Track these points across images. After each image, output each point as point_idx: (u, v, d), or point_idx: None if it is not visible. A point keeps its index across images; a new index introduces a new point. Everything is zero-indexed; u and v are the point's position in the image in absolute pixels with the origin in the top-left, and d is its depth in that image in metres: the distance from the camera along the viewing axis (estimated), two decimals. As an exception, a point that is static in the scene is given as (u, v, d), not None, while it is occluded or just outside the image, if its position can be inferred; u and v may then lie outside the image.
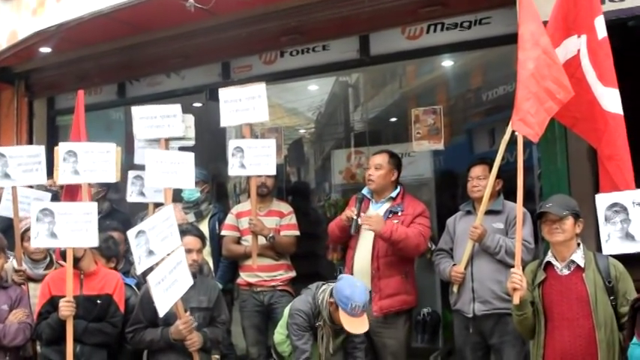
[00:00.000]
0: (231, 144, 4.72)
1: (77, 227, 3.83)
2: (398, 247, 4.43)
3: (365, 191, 4.76)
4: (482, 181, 4.30)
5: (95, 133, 5.27)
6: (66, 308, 3.85)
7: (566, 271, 3.50)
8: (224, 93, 4.81)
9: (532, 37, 3.73)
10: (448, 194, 6.65)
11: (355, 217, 4.53)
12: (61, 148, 4.44)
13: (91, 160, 4.46)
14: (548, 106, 3.69)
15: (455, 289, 4.35)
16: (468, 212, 4.48)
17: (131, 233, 3.49)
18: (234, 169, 4.70)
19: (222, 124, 4.83)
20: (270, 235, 4.95)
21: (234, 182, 8.13)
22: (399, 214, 4.57)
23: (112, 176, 4.56)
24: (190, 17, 5.24)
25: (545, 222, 3.53)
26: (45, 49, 6.41)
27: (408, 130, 5.96)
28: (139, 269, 3.59)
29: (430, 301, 6.30)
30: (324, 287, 4.13)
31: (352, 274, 4.54)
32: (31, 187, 5.61)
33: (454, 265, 4.36)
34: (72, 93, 6.04)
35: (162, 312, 3.56)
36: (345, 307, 3.83)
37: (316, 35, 5.73)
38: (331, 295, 3.99)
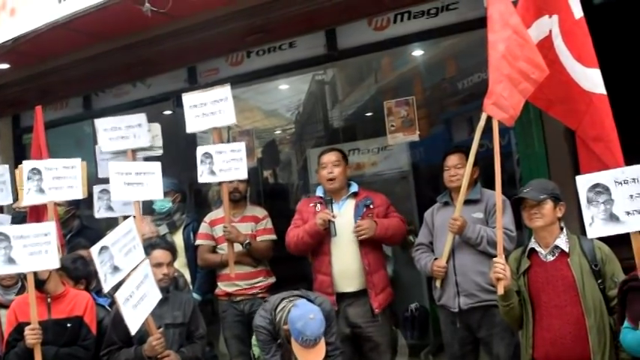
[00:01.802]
0: (199, 150, 4.59)
1: (35, 250, 3.62)
2: (387, 238, 4.50)
3: (320, 192, 4.66)
4: (459, 170, 4.17)
5: (65, 150, 5.12)
6: (31, 336, 3.65)
7: (550, 257, 3.40)
8: (188, 98, 4.68)
9: (501, 17, 3.64)
10: (428, 186, 6.54)
11: (333, 220, 4.41)
12: (25, 167, 4.28)
13: (55, 177, 4.29)
14: (522, 88, 3.58)
15: (438, 283, 4.22)
16: (446, 203, 4.34)
17: (94, 250, 3.33)
18: (203, 177, 4.56)
19: (189, 129, 4.69)
20: (247, 241, 4.80)
21: (215, 189, 8.00)
22: (371, 207, 4.51)
23: (78, 192, 4.40)
24: (150, 23, 5.07)
25: (524, 208, 3.43)
26: (3, 65, 6.21)
27: (382, 123, 5.85)
28: (106, 287, 3.42)
29: (417, 296, 6.19)
30: (282, 305, 3.90)
31: (332, 280, 4.44)
32: (1, 210, 5.46)
33: (435, 259, 4.23)
34: (38, 110, 5.86)
35: (133, 330, 3.40)
36: (296, 339, 3.65)
37: (282, 33, 5.60)
38: (287, 320, 3.77)
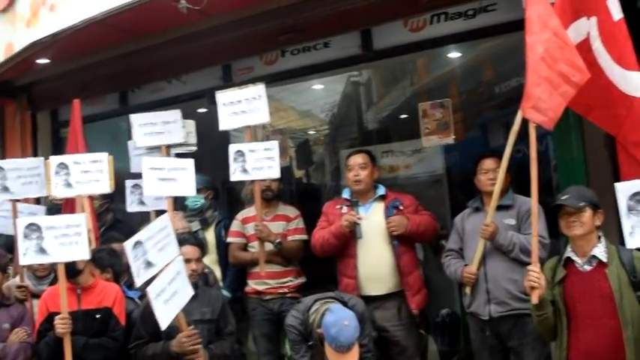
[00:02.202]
0: (232, 148, 4.57)
1: (66, 241, 3.66)
2: (419, 234, 4.48)
3: (346, 194, 4.62)
4: (497, 174, 4.04)
5: (101, 145, 5.14)
6: (61, 325, 3.69)
7: (587, 267, 3.28)
8: (222, 96, 4.67)
9: (540, 19, 3.54)
10: (461, 191, 6.45)
11: (359, 222, 4.36)
12: (52, 162, 4.31)
13: (83, 171, 4.32)
14: (563, 91, 3.48)
15: (468, 290, 4.14)
16: (477, 209, 4.26)
17: (128, 245, 3.34)
18: (235, 175, 4.55)
19: (222, 127, 4.68)
20: (277, 240, 4.77)
21: (248, 188, 8.01)
22: (401, 207, 4.47)
23: (105, 186, 4.42)
24: (185, 20, 5.12)
25: (562, 215, 3.32)
26: (42, 61, 6.31)
27: (417, 126, 5.77)
28: (138, 282, 3.42)
29: (449, 302, 6.11)
30: (316, 307, 3.86)
31: (358, 283, 4.40)
32: (38, 201, 5.54)
33: (466, 265, 4.14)
34: (75, 104, 5.94)
35: (164, 325, 3.41)
36: (330, 345, 3.61)
37: (316, 32, 5.54)
38: (320, 324, 3.73)
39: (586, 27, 3.66)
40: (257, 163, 4.50)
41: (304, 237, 4.94)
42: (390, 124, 8.00)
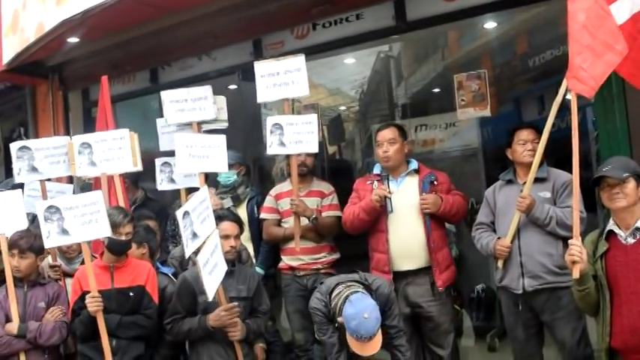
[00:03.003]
0: (269, 121, 4.51)
1: (86, 220, 3.68)
2: (451, 215, 4.43)
3: (377, 170, 4.54)
4: (536, 145, 3.96)
5: (132, 123, 5.15)
6: (93, 304, 3.73)
7: (631, 240, 3.18)
8: (260, 67, 4.59)
9: (582, -15, 3.41)
10: (496, 165, 6.34)
11: (389, 196, 4.29)
12: (75, 141, 4.32)
13: (106, 150, 4.31)
14: (607, 59, 3.36)
15: (500, 264, 4.06)
16: (509, 181, 4.17)
17: (179, 214, 3.40)
18: (273, 148, 4.50)
19: (259, 99, 4.62)
20: (314, 216, 4.73)
21: (280, 165, 7.98)
22: (435, 183, 4.41)
23: (129, 164, 4.41)
24: (215, -6, 5.05)
25: (603, 188, 3.21)
26: (73, 39, 6.27)
27: (450, 100, 5.65)
28: (188, 252, 3.47)
29: (484, 277, 6.03)
30: (338, 290, 3.84)
31: (389, 258, 4.34)
32: (71, 179, 5.57)
33: (498, 238, 4.06)
34: (106, 83, 5.95)
35: (210, 295, 3.47)
36: (351, 335, 3.60)
37: (348, 4, 5.43)
38: (341, 311, 3.70)
39: None
40: (295, 136, 4.45)
41: (338, 213, 4.86)
42: (421, 98, 7.87)
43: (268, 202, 5.04)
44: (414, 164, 4.52)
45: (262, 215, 5.02)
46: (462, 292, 5.95)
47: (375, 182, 4.47)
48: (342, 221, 4.60)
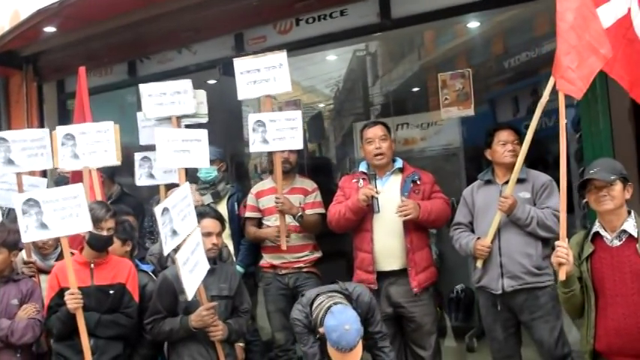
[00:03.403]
0: (252, 118, 4.44)
1: (66, 213, 3.55)
2: (430, 222, 4.32)
3: (363, 168, 4.49)
4: (516, 146, 4.01)
5: (108, 117, 5.03)
6: (72, 300, 3.60)
7: (617, 242, 3.17)
8: (240, 63, 4.52)
9: (571, -15, 3.40)
10: (472, 165, 6.37)
11: (377, 196, 4.24)
12: (58, 132, 4.20)
13: (89, 142, 4.21)
14: (591, 62, 3.38)
15: (479, 264, 4.06)
16: (488, 182, 4.17)
17: (157, 210, 3.30)
18: (255, 145, 4.43)
19: (240, 96, 4.54)
20: (299, 214, 4.66)
21: (254, 162, 7.89)
22: (418, 182, 4.37)
23: (112, 158, 4.31)
24: (197, -15, 4.96)
25: (590, 190, 3.19)
26: (49, 29, 6.14)
27: (430, 99, 5.64)
28: (166, 249, 3.37)
29: (463, 278, 6.03)
30: (319, 301, 3.79)
31: (374, 257, 4.30)
32: (44, 173, 5.43)
33: (478, 238, 4.05)
34: (82, 74, 5.81)
35: (190, 295, 3.39)
36: (333, 346, 3.56)
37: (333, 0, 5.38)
38: (323, 322, 3.67)
39: (627, 2, 3.54)
40: (278, 133, 4.39)
41: (322, 210, 4.83)
42: (399, 97, 7.85)
43: (250, 200, 4.97)
44: (398, 163, 4.48)
45: (246, 214, 4.96)
46: (442, 293, 5.95)
47: (361, 180, 4.43)
48: (327, 220, 4.54)
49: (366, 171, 4.46)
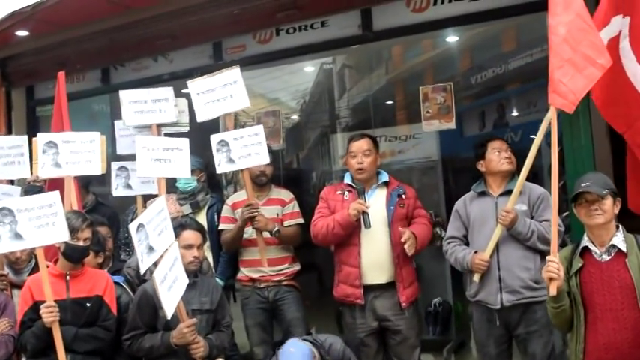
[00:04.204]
0: (214, 139, 4.36)
1: (42, 223, 3.38)
2: (421, 249, 4.34)
3: (348, 180, 4.44)
4: (510, 154, 4.04)
5: (79, 125, 4.93)
6: (48, 314, 3.44)
7: (606, 257, 3.17)
8: (194, 85, 4.44)
9: (563, 0, 3.42)
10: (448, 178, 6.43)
11: (367, 211, 4.18)
12: (40, 140, 4.08)
13: (73, 152, 4.10)
14: (588, 73, 3.38)
15: (477, 278, 3.98)
16: (482, 194, 4.12)
17: (132, 227, 3.17)
18: (221, 166, 4.36)
19: (199, 119, 4.45)
20: (275, 229, 4.57)
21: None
22: (403, 197, 4.34)
23: (97, 168, 4.19)
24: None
25: (581, 204, 3.19)
26: (22, 33, 5.98)
27: (394, 113, 5.64)
28: (143, 267, 3.24)
29: (440, 291, 6.02)
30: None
31: (361, 271, 4.25)
32: (12, 182, 5.26)
33: (475, 252, 4.00)
34: (52, 81, 5.60)
35: (169, 313, 3.25)
36: None
37: (315, 10, 5.35)
38: None
39: (619, 25, 3.62)
40: (243, 150, 4.31)
41: (300, 221, 4.77)
42: (367, 110, 7.84)
43: (225, 211, 4.87)
44: (384, 176, 4.42)
45: (221, 226, 4.85)
46: (419, 306, 5.92)
47: (347, 193, 4.37)
48: (312, 234, 4.45)
49: (351, 183, 4.39)
